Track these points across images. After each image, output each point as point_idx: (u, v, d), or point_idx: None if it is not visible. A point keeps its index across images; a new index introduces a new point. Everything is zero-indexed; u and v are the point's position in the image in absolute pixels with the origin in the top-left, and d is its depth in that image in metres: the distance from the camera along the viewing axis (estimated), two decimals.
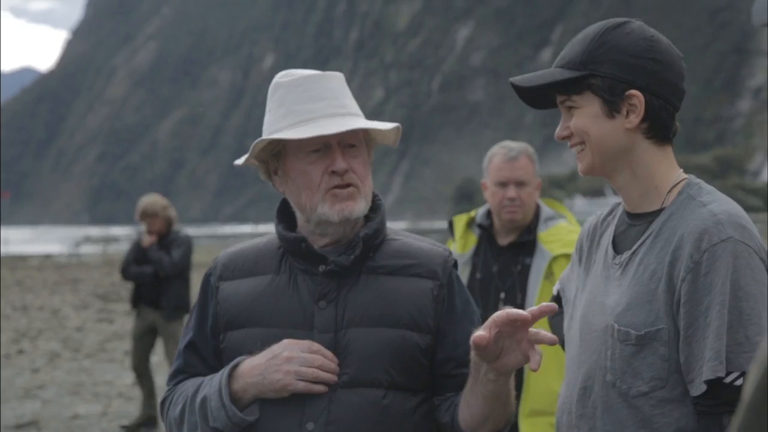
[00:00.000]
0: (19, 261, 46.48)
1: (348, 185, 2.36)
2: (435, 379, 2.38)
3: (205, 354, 2.48)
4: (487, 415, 2.30)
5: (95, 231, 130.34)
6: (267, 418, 2.33)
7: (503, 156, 4.24)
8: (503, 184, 4.19)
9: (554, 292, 2.68)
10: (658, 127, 2.22)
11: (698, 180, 2.27)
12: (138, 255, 9.14)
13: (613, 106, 2.18)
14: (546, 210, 4.36)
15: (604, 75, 2.17)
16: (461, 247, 4.39)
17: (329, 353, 2.28)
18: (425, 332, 2.35)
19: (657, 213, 2.21)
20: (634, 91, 2.18)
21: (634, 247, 2.21)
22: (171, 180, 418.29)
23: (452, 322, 2.40)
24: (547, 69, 2.27)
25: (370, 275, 2.39)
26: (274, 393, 2.27)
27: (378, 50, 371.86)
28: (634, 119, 2.19)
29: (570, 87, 2.19)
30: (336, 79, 2.46)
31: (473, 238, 4.38)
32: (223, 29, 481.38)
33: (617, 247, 2.27)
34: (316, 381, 2.25)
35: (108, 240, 76.61)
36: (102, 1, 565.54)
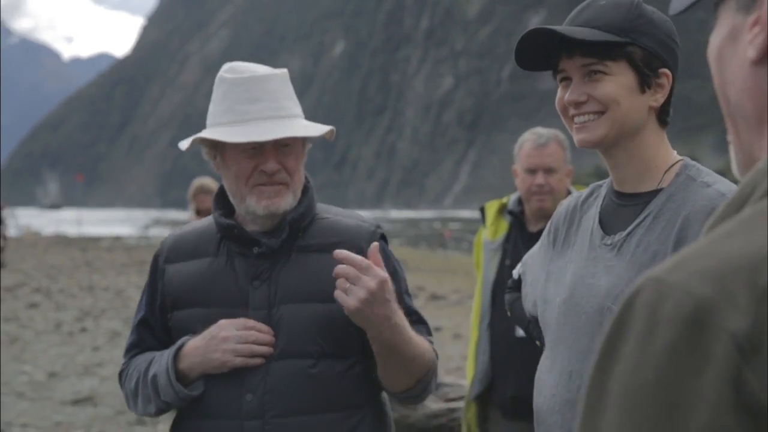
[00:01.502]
0: (90, 242, 47.32)
1: (276, 183, 2.49)
2: (366, 341, 2.48)
3: (156, 330, 2.65)
4: (387, 373, 2.50)
5: (165, 214, 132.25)
6: (210, 392, 2.48)
7: (533, 142, 4.23)
8: (532, 171, 4.18)
9: (515, 275, 2.71)
10: (668, 109, 2.23)
11: (694, 162, 2.26)
12: None
13: (646, 80, 2.16)
14: (574, 194, 4.14)
15: (644, 47, 2.13)
16: (492, 233, 4.38)
17: (264, 327, 2.43)
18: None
19: (653, 193, 2.19)
20: (665, 70, 2.17)
21: (630, 228, 2.19)
22: None
23: None
24: (574, 27, 2.16)
25: (300, 254, 2.54)
26: (216, 370, 2.43)
27: (448, 38, 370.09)
28: (660, 98, 2.18)
29: (606, 51, 2.11)
30: (277, 80, 2.54)
31: (504, 225, 4.36)
32: (294, 17, 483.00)
33: (606, 227, 2.25)
34: (252, 355, 2.41)
35: (177, 223, 76.84)
36: None
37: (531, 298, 2.48)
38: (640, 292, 0.85)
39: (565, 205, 2.46)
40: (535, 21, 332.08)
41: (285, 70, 2.62)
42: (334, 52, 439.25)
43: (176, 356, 2.48)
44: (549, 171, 4.17)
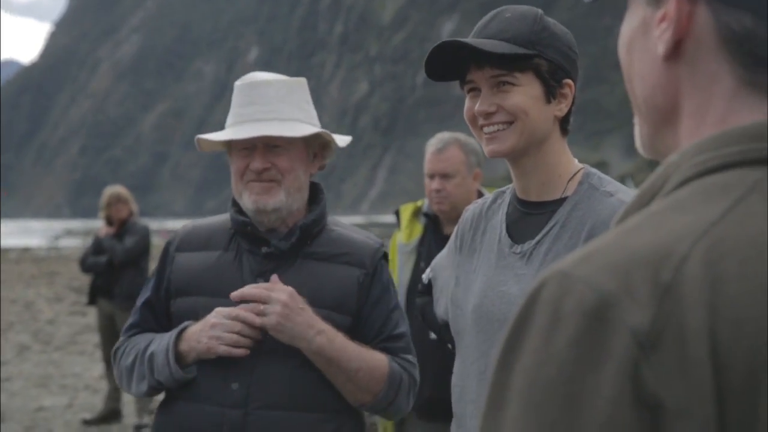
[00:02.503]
0: None
1: (265, 180, 2.60)
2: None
3: (159, 313, 2.72)
4: (338, 386, 2.59)
5: (76, 224, 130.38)
6: (201, 377, 2.56)
7: (433, 147, 4.27)
8: (431, 176, 4.22)
9: (425, 280, 2.74)
10: (569, 119, 2.28)
11: (594, 170, 2.30)
12: (96, 247, 9.20)
13: (552, 91, 2.20)
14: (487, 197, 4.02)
15: (549, 59, 2.18)
16: (407, 236, 4.41)
17: (255, 319, 2.48)
18: (346, 314, 2.59)
19: (558, 202, 2.23)
20: (568, 81, 2.22)
21: (538, 237, 2.21)
22: (154, 173, 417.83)
23: (370, 306, 2.65)
24: (484, 39, 2.19)
25: (306, 260, 2.62)
26: (203, 355, 2.49)
27: (363, 44, 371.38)
28: (564, 108, 2.23)
29: (515, 63, 2.14)
30: (279, 86, 2.67)
31: (419, 228, 4.39)
32: (207, 22, 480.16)
33: (513, 236, 2.27)
34: (236, 345, 2.46)
35: (88, 233, 76.06)
36: None
37: (442, 302, 2.50)
38: (545, 286, 0.85)
39: (470, 211, 2.47)
40: (448, 27, 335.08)
41: (299, 79, 2.76)
42: (249, 58, 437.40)
43: (178, 338, 2.54)
44: (445, 176, 4.18)
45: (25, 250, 50.99)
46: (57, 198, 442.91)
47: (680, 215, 0.86)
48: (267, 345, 2.54)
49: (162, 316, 2.71)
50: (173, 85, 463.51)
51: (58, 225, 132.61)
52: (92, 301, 9.34)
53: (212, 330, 2.48)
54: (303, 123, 2.65)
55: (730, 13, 0.89)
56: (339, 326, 2.54)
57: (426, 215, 4.38)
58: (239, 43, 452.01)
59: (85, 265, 9.36)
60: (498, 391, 0.85)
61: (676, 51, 0.94)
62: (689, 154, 0.91)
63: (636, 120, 1.04)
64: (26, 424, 9.19)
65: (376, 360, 2.58)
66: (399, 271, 4.32)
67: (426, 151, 4.33)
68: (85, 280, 25.58)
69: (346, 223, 2.81)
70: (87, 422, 8.96)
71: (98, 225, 9.70)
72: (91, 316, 17.75)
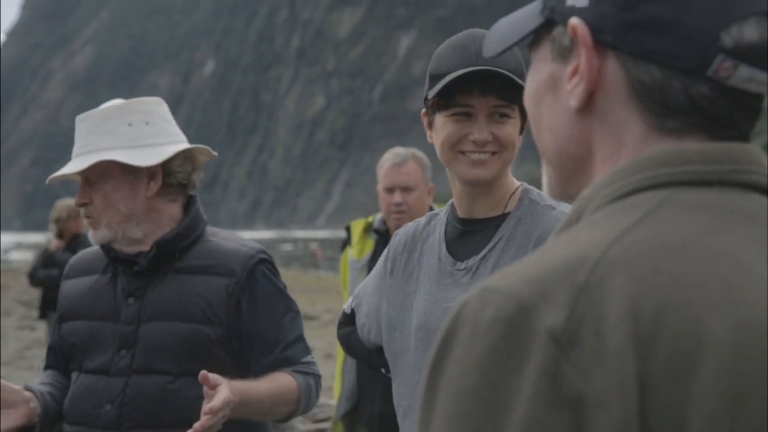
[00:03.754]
0: None
1: (92, 213, 2.63)
2: (236, 363, 2.60)
3: (57, 349, 2.81)
4: (256, 416, 2.64)
5: (27, 237, 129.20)
6: (74, 402, 2.61)
7: (390, 162, 4.27)
8: (390, 190, 4.21)
9: (347, 309, 2.71)
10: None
11: (531, 186, 2.34)
12: (46, 260, 9.10)
13: (524, 123, 2.23)
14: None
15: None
16: (358, 252, 4.43)
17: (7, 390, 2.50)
18: (216, 325, 2.56)
19: (501, 218, 2.25)
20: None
21: (484, 252, 2.23)
22: None
23: (251, 316, 2.63)
24: (500, 70, 2.13)
25: (176, 274, 2.61)
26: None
27: (319, 58, 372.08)
28: (521, 138, 2.26)
29: (515, 95, 2.15)
30: (94, 117, 2.67)
31: (370, 243, 4.39)
32: (163, 34, 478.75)
33: (454, 254, 2.29)
34: None
35: (38, 247, 75.19)
36: (38, 4, 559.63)
37: (369, 327, 2.51)
38: (468, 303, 0.87)
39: (401, 234, 2.47)
40: (405, 42, 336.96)
41: (116, 103, 2.71)
42: (205, 71, 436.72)
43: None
44: (406, 189, 4.18)
45: None
46: (7, 210, 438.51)
47: (594, 230, 0.91)
48: (136, 364, 2.53)
49: (61, 355, 2.79)
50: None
51: (8, 238, 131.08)
52: (43, 314, 9.23)
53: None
54: (112, 150, 2.58)
55: (639, 66, 0.93)
56: (209, 338, 2.54)
57: (377, 231, 4.37)
58: (195, 56, 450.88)
59: (35, 279, 9.27)
60: (427, 406, 0.87)
61: (587, 104, 0.98)
62: (602, 185, 0.96)
63: (544, 168, 1.07)
64: None
65: (285, 387, 2.60)
66: (351, 287, 4.29)
67: (381, 165, 4.31)
68: (35, 294, 25.36)
69: (226, 234, 2.81)
70: None
71: (48, 238, 9.59)
72: (40, 330, 17.58)
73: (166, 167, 2.65)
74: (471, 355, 0.83)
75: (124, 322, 2.56)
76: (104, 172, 2.59)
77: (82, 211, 2.65)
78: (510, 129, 2.19)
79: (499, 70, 2.10)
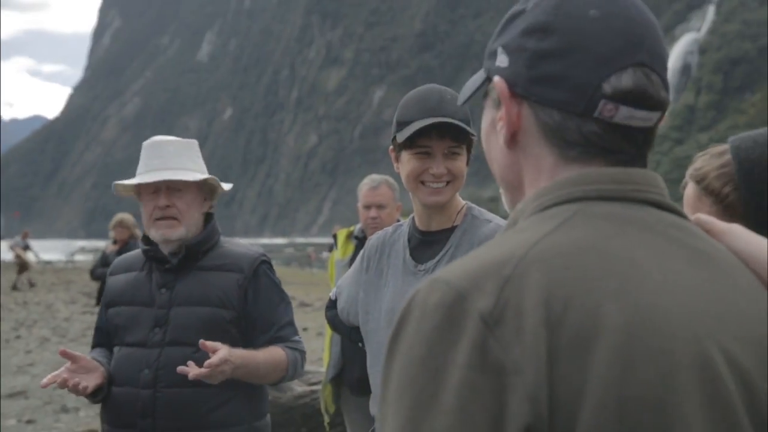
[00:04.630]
0: (12, 266, 45.27)
1: (167, 218, 2.59)
2: (247, 342, 2.59)
3: (104, 330, 2.74)
4: (256, 379, 2.61)
5: (88, 243, 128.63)
6: (119, 368, 2.58)
7: (368, 186, 4.25)
8: (368, 207, 4.20)
9: (331, 296, 2.71)
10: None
11: (473, 204, 2.33)
12: (103, 260, 9.14)
13: (469, 157, 2.26)
14: None
15: (471, 134, 2.20)
16: (342, 253, 4.38)
17: (71, 366, 2.46)
18: (229, 309, 2.56)
19: (451, 230, 2.24)
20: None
21: (438, 257, 2.21)
22: None
23: (255, 303, 2.63)
24: (452, 120, 2.15)
25: (199, 271, 2.61)
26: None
27: (313, 106, 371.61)
28: (467, 168, 2.27)
29: (464, 137, 2.17)
30: (176, 145, 2.66)
31: (351, 247, 4.36)
32: (192, 88, 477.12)
33: (416, 258, 2.26)
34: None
35: (98, 251, 75.06)
36: (99, 65, 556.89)
37: (348, 311, 2.48)
38: (419, 291, 0.86)
39: (374, 239, 2.44)
40: (378, 94, 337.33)
41: (189, 140, 2.71)
42: (224, 116, 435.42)
43: None
44: (380, 207, 4.17)
45: (48, 263, 50.09)
46: (74, 223, 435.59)
47: (521, 234, 0.89)
48: (168, 338, 2.54)
49: (107, 332, 2.72)
50: (167, 135, 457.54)
51: (74, 244, 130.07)
52: (99, 302, 9.20)
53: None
54: (194, 172, 2.62)
55: (544, 111, 0.94)
56: (224, 319, 2.56)
57: (356, 237, 4.35)
58: (217, 105, 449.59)
59: (94, 275, 9.32)
60: (385, 374, 0.86)
61: (512, 141, 0.98)
62: (531, 200, 0.96)
63: (500, 189, 1.06)
64: (45, 400, 8.98)
65: (277, 358, 2.58)
66: (336, 280, 4.28)
67: (361, 188, 4.29)
68: (93, 287, 25.42)
69: (235, 241, 2.80)
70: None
71: (106, 244, 9.65)
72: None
73: (212, 194, 2.75)
74: (419, 332, 0.82)
75: (158, 307, 2.57)
76: (189, 186, 2.61)
77: (155, 214, 2.60)
78: (460, 163, 2.19)
79: (452, 120, 2.11)
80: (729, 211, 1.10)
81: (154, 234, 2.61)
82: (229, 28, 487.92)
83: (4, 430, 7.66)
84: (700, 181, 1.13)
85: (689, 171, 1.18)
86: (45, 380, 2.39)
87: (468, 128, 2.16)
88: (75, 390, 2.40)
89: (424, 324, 0.83)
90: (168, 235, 2.59)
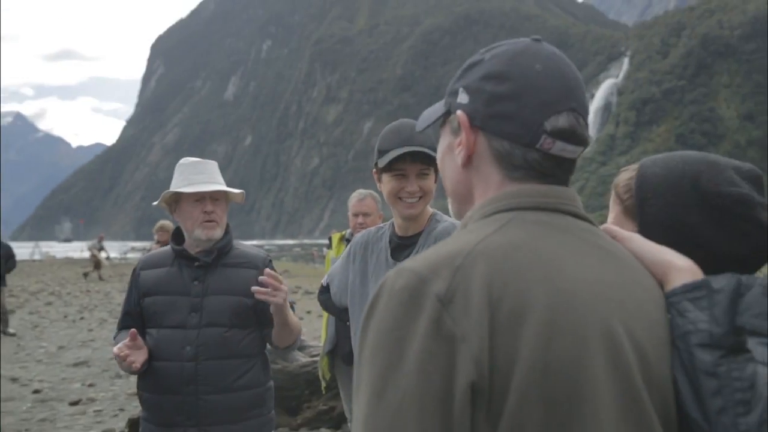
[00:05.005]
0: (88, 262, 45.06)
1: (212, 221, 2.54)
2: (263, 320, 2.56)
3: (134, 316, 2.61)
4: (282, 336, 2.54)
5: (137, 244, 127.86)
6: (162, 343, 2.50)
7: (356, 198, 4.19)
8: (356, 215, 4.14)
9: (324, 283, 2.68)
10: None
11: (437, 211, 2.29)
12: None
13: (437, 176, 2.18)
14: None
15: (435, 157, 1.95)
16: (336, 252, 4.30)
17: (129, 343, 2.37)
18: (251, 297, 2.47)
19: (419, 234, 2.21)
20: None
21: (409, 255, 2.19)
22: None
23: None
24: (422, 148, 2.11)
25: (224, 267, 2.57)
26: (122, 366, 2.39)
27: (316, 134, 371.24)
28: (436, 185, 2.20)
29: (432, 161, 2.12)
30: (211, 164, 2.62)
31: (343, 247, 4.28)
32: (220, 121, 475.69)
33: (395, 257, 2.22)
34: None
35: (145, 249, 74.56)
36: (146, 103, 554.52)
37: (339, 295, 2.45)
38: (389, 277, 0.86)
39: (359, 236, 2.40)
40: (367, 125, 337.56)
41: (214, 162, 2.67)
42: (245, 143, 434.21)
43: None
44: (365, 215, 4.11)
45: (106, 260, 49.70)
46: (126, 227, 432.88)
47: (469, 234, 0.90)
48: (204, 321, 2.49)
49: (136, 317, 2.60)
50: (201, 157, 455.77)
51: (127, 244, 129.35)
52: None
53: (116, 356, 2.37)
54: (225, 186, 2.60)
55: (496, 140, 0.94)
56: (247, 305, 2.52)
57: (347, 239, 4.28)
58: (239, 134, 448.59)
59: None
60: (360, 343, 0.85)
61: (467, 162, 0.97)
62: (478, 208, 0.96)
63: (449, 199, 1.05)
64: (103, 368, 8.97)
65: (297, 323, 2.57)
66: None
67: (351, 200, 4.23)
68: None
69: (242, 243, 2.74)
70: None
71: (150, 244, 9.62)
72: None
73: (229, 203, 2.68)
74: (387, 308, 0.82)
75: (192, 296, 2.51)
76: (223, 197, 2.59)
77: (202, 217, 2.53)
78: (429, 182, 2.16)
79: (423, 149, 2.08)
80: (627, 214, 1.12)
81: (200, 233, 2.54)
82: (249, 73, 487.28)
83: (70, 392, 7.66)
84: (615, 188, 1.17)
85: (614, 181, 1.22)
86: (116, 349, 2.36)
87: (434, 154, 2.09)
88: (127, 366, 2.36)
89: (391, 302, 0.82)
90: (211, 235, 2.54)
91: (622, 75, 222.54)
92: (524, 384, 0.78)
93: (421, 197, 2.15)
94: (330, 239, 4.53)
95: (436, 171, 2.18)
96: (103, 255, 29.44)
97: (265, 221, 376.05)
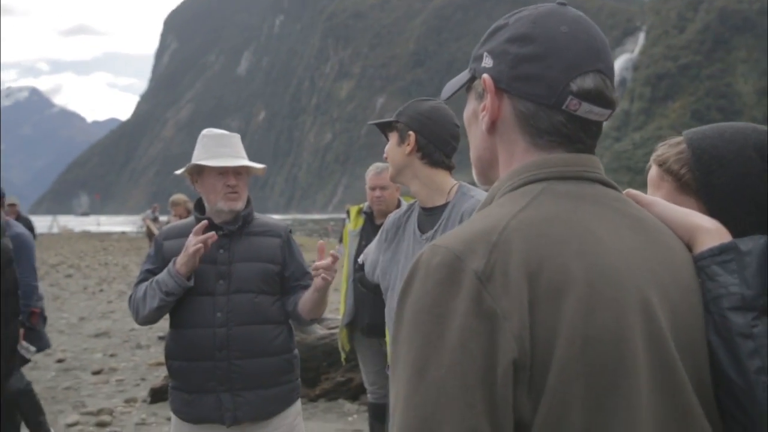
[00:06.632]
0: (105, 236, 45.56)
1: (235, 192, 2.55)
2: (285, 288, 2.61)
3: (158, 273, 2.59)
4: (315, 309, 2.55)
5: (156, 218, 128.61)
6: (194, 311, 2.51)
7: (374, 171, 4.20)
8: (373, 188, 4.16)
9: (360, 261, 2.71)
10: (427, 156, 2.21)
11: (466, 183, 2.27)
12: None
13: (402, 138, 2.22)
14: (403, 203, 4.17)
15: (402, 122, 2.24)
16: (354, 225, 4.33)
17: (199, 238, 2.42)
18: (276, 264, 2.56)
19: (445, 205, 2.20)
20: (410, 132, 2.21)
21: (435, 228, 2.18)
22: None
23: (290, 258, 2.64)
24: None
25: (247, 235, 2.60)
26: (187, 260, 2.42)
27: (329, 110, 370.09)
28: (407, 148, 2.21)
29: (386, 128, 2.26)
30: (235, 138, 2.62)
31: (361, 220, 4.30)
32: (233, 96, 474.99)
33: (422, 229, 2.24)
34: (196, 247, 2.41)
35: (162, 223, 74.85)
36: (160, 78, 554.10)
37: (372, 272, 2.47)
38: (423, 254, 0.85)
39: (391, 217, 2.41)
40: (380, 101, 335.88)
41: (238, 135, 2.67)
42: (259, 118, 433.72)
43: (174, 264, 2.47)
44: (383, 188, 4.12)
45: (123, 233, 50.11)
46: (141, 202, 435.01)
47: (500, 209, 0.88)
48: (233, 288, 2.50)
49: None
50: None
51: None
52: None
53: (185, 248, 2.42)
54: (247, 160, 2.60)
55: (521, 103, 0.92)
56: (273, 271, 2.55)
57: (365, 213, 4.29)
58: (253, 109, 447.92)
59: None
60: (397, 320, 0.84)
61: (492, 128, 0.96)
62: (504, 179, 0.95)
63: (473, 166, 1.04)
64: (124, 339, 9.08)
65: (326, 299, 2.57)
66: (350, 247, 4.27)
67: (368, 173, 4.23)
68: None
69: (263, 215, 2.77)
70: (161, 338, 8.90)
71: (167, 218, 9.65)
72: None
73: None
74: (425, 286, 0.82)
75: (219, 264, 2.52)
76: (246, 170, 2.60)
77: (225, 190, 2.54)
78: (388, 146, 2.21)
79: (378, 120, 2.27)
80: (684, 188, 1.10)
81: (223, 205, 2.54)
82: (262, 48, 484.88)
83: (92, 362, 7.76)
84: (662, 164, 1.14)
85: (653, 156, 1.18)
86: (197, 240, 2.42)
87: (388, 120, 2.26)
88: (192, 257, 2.40)
89: (428, 280, 0.82)
90: (234, 206, 2.55)
91: (637, 50, 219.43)
92: (565, 359, 0.78)
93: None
94: (348, 212, 4.56)
95: (400, 135, 2.22)
96: (156, 227, 29.60)
97: (279, 196, 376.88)
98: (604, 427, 0.79)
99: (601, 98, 0.92)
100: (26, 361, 4.18)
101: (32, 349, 4.27)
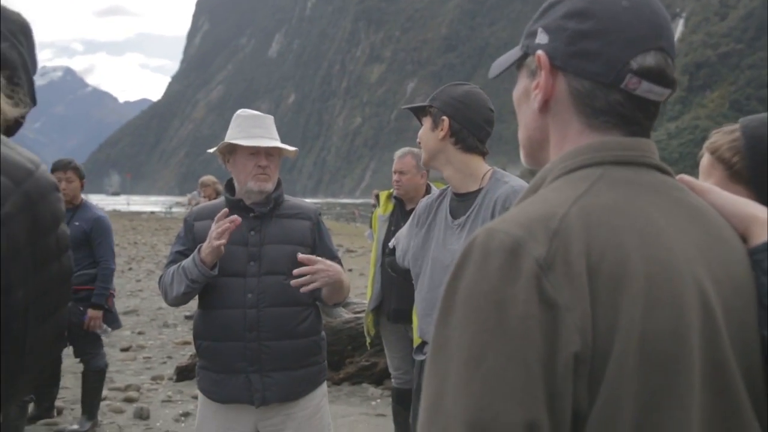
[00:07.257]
0: (135, 215, 46.33)
1: (265, 174, 2.55)
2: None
3: (187, 256, 2.58)
4: (332, 296, 2.54)
5: (182, 199, 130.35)
6: (225, 291, 2.51)
7: (396, 155, 4.19)
8: (395, 173, 4.15)
9: (391, 245, 2.70)
10: (461, 141, 2.19)
11: (500, 170, 2.24)
12: None
13: (435, 123, 2.22)
14: (433, 189, 4.08)
15: (436, 107, 2.24)
16: (383, 210, 4.30)
17: (221, 225, 2.39)
18: (307, 246, 2.56)
19: (478, 191, 2.17)
20: (444, 117, 2.20)
21: (468, 214, 2.16)
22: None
23: (320, 241, 2.63)
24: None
25: (278, 217, 2.59)
26: (211, 249, 2.40)
27: (359, 93, 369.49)
28: (441, 133, 2.20)
29: (421, 112, 2.25)
30: (269, 119, 2.62)
31: (390, 205, 4.28)
32: (264, 78, 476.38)
33: (453, 215, 2.22)
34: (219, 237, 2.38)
35: (190, 204, 75.62)
36: (192, 60, 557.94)
37: (403, 257, 2.45)
38: (477, 237, 0.83)
39: (424, 202, 2.41)
40: (410, 86, 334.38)
41: (271, 116, 2.66)
42: (289, 101, 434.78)
43: (198, 253, 2.45)
44: (401, 173, 4.09)
45: (152, 213, 50.90)
46: (171, 183, 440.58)
47: (557, 194, 0.86)
48: (263, 270, 2.51)
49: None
50: None
51: (172, 199, 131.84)
52: None
53: (208, 237, 2.40)
54: (279, 141, 2.61)
55: (577, 81, 0.90)
56: (304, 253, 2.50)
57: (395, 198, 4.27)
58: (283, 92, 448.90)
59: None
60: (446, 304, 0.82)
61: (544, 107, 0.94)
62: (557, 162, 0.92)
63: (521, 146, 1.02)
64: (151, 317, 9.23)
65: (348, 283, 2.55)
66: (378, 232, 4.24)
67: (394, 158, 4.23)
68: None
69: (294, 197, 2.75)
70: (188, 317, 9.01)
71: (190, 196, 9.72)
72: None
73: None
74: (482, 271, 0.79)
75: (250, 245, 2.52)
76: (277, 152, 2.60)
77: (255, 170, 2.55)
78: (420, 130, 2.24)
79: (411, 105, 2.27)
80: (736, 177, 1.08)
81: (253, 185, 2.54)
82: (293, 31, 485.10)
83: (121, 338, 7.88)
84: (714, 152, 1.11)
85: (706, 144, 1.15)
86: (218, 227, 2.39)
87: (422, 104, 2.27)
88: (216, 248, 2.39)
89: (485, 264, 0.79)
90: (264, 187, 2.54)
91: (676, 37, 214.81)
92: (623, 354, 0.77)
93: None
94: (377, 197, 4.53)
95: (434, 120, 2.23)
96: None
97: (307, 180, 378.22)
98: (656, 424, 0.78)
99: (662, 77, 0.89)
100: (99, 341, 4.53)
101: (108, 329, 4.49)
